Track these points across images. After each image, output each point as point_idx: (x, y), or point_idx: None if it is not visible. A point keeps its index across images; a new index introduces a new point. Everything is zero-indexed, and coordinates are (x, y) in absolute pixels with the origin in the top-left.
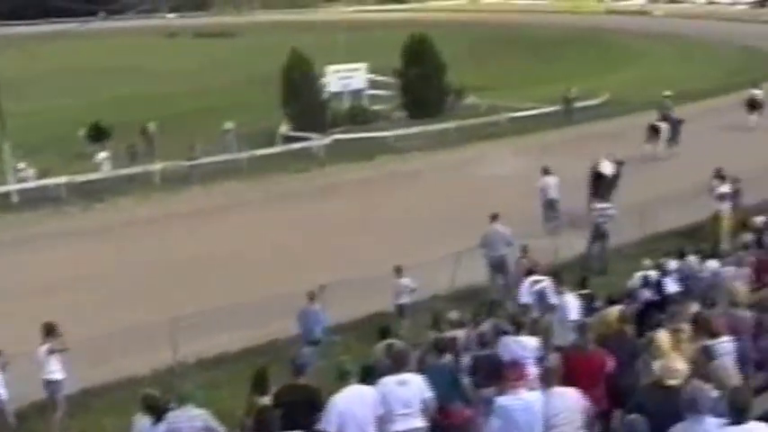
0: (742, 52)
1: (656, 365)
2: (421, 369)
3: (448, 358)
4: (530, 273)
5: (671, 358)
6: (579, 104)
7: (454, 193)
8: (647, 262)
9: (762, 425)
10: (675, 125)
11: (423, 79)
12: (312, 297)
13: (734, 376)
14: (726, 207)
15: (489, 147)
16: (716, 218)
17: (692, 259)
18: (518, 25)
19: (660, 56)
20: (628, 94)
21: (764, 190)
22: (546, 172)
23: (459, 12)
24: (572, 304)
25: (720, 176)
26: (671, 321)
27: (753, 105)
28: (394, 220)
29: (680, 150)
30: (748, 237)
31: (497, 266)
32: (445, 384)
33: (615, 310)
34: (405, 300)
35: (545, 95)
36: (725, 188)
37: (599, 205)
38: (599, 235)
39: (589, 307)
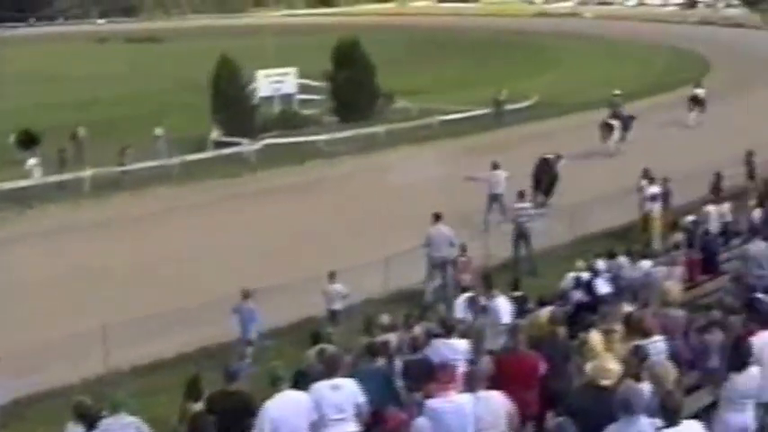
0: (671, 53)
1: (588, 366)
2: (354, 373)
3: (381, 362)
4: (464, 290)
5: (603, 359)
6: (509, 107)
7: (384, 196)
8: (579, 263)
9: (695, 423)
10: (626, 122)
11: (353, 83)
12: (246, 295)
13: (672, 374)
14: (656, 207)
15: (420, 150)
16: (647, 218)
17: (623, 260)
18: (448, 28)
19: (590, 57)
20: (557, 95)
21: (696, 189)
22: (495, 167)
23: (389, 15)
24: (504, 307)
25: (648, 177)
26: (603, 322)
27: (695, 103)
28: (325, 224)
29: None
30: (679, 236)
31: (439, 267)
32: (378, 388)
33: (546, 312)
34: (337, 306)
35: (476, 98)
36: (654, 189)
37: (518, 205)
38: (520, 235)
39: (521, 309)
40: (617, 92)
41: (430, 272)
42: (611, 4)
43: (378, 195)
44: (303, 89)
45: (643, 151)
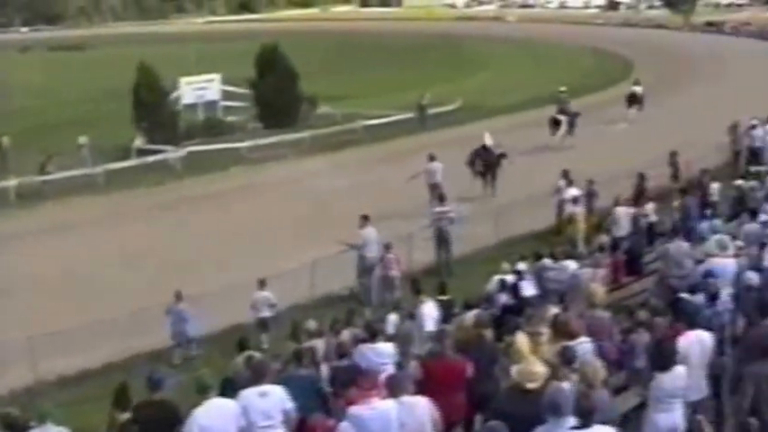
0: (594, 55)
1: (514, 370)
2: (282, 380)
3: (308, 369)
4: (395, 308)
5: (529, 362)
6: (433, 111)
7: (310, 202)
8: (504, 266)
9: (607, 428)
10: (572, 118)
11: (275, 89)
12: (179, 297)
13: (601, 373)
14: (579, 210)
15: (344, 155)
16: (570, 220)
17: (548, 262)
18: (371, 33)
19: (513, 61)
20: (482, 99)
21: (624, 190)
22: (432, 158)
23: (312, 21)
24: (430, 312)
25: (567, 178)
26: (529, 324)
27: (632, 100)
28: (250, 231)
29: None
30: (604, 238)
31: (369, 268)
32: (306, 395)
33: (472, 316)
34: (266, 313)
35: (400, 102)
36: (574, 191)
37: (438, 209)
38: (442, 239)
39: (448, 313)
40: (563, 89)
41: (362, 273)
42: (532, 6)
43: (303, 201)
44: (227, 96)
45: (572, 152)
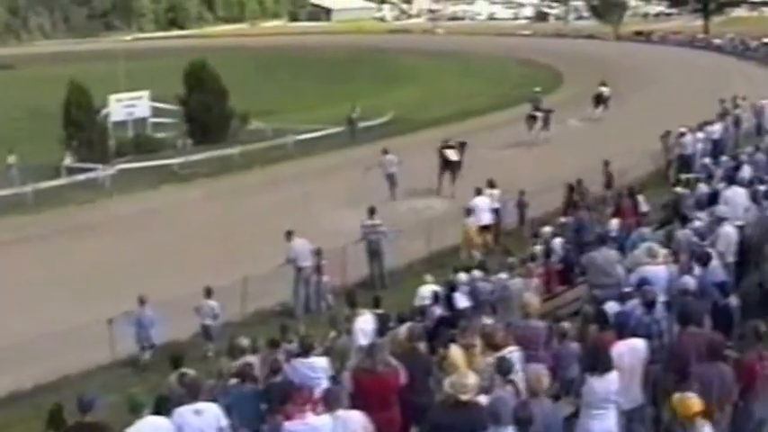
0: (523, 66)
1: (447, 382)
2: (221, 396)
3: (247, 385)
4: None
5: (461, 373)
6: (364, 124)
7: (241, 217)
8: (427, 278)
9: None
10: (546, 114)
11: (205, 105)
12: (143, 301)
13: (544, 382)
14: (471, 220)
15: (275, 170)
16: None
17: (478, 273)
18: (301, 47)
19: (443, 73)
20: (412, 112)
21: (555, 200)
22: (385, 152)
23: (241, 36)
24: (365, 326)
25: (492, 187)
26: (463, 337)
27: (599, 100)
28: (183, 247)
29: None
30: (536, 248)
31: (306, 279)
32: (244, 411)
33: (405, 329)
34: (209, 321)
35: (331, 116)
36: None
37: (368, 222)
38: (373, 253)
39: (383, 327)
40: (537, 89)
41: (297, 285)
42: (462, 19)
43: (235, 216)
44: (156, 113)
45: (507, 162)
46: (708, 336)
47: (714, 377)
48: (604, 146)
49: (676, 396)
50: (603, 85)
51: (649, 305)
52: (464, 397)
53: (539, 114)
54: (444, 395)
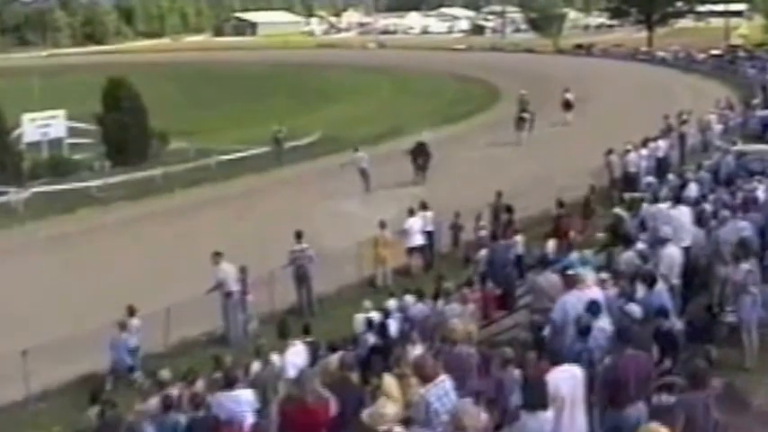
0: (458, 82)
1: (365, 414)
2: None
3: (170, 416)
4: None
5: (379, 404)
6: (290, 144)
7: (163, 242)
8: (366, 303)
9: None
10: (532, 116)
11: (123, 125)
12: (123, 326)
13: (474, 416)
14: (387, 233)
15: (198, 192)
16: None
17: (410, 299)
18: (226, 64)
19: (374, 90)
20: (340, 130)
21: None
22: (356, 150)
23: (163, 52)
24: (294, 358)
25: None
26: (397, 366)
27: (567, 105)
28: (101, 275)
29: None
30: (471, 271)
31: (234, 305)
32: None
33: (335, 358)
34: (134, 344)
35: (256, 136)
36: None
37: (296, 247)
38: (301, 278)
39: (314, 355)
40: (524, 91)
41: (227, 311)
42: (394, 33)
43: (156, 241)
44: (72, 133)
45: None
46: (644, 358)
47: (699, 406)
48: (543, 163)
49: (643, 428)
50: (567, 91)
51: (583, 332)
52: (382, 428)
53: (527, 116)
54: (362, 427)
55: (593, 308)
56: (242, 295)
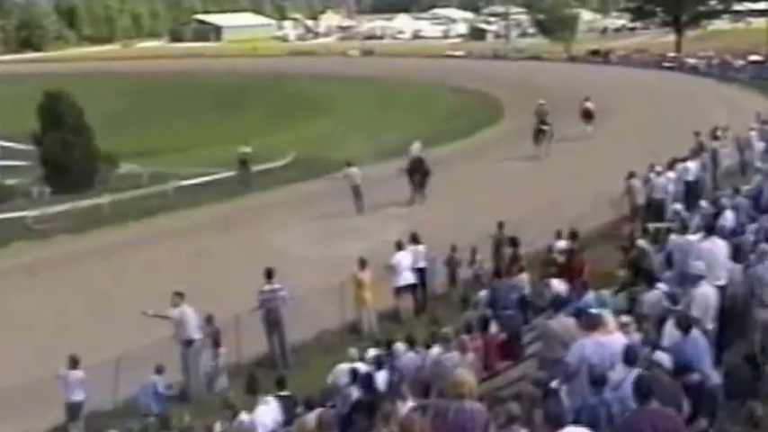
0: (455, 94)
1: None
2: None
3: None
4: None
5: None
6: (259, 167)
7: (112, 281)
8: (351, 351)
9: None
10: (551, 128)
11: (64, 145)
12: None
13: None
14: (366, 274)
15: (153, 224)
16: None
17: (401, 347)
18: (184, 73)
19: (358, 103)
20: (319, 151)
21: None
22: (348, 164)
23: (110, 60)
24: (265, 417)
25: (417, 241)
26: (384, 423)
27: (587, 115)
28: (38, 319)
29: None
30: (470, 315)
31: (194, 354)
32: None
33: (312, 417)
34: (78, 397)
35: (220, 158)
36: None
37: (266, 287)
38: (272, 323)
39: (289, 413)
40: (542, 101)
41: (187, 361)
42: (380, 38)
43: (104, 280)
44: (6, 154)
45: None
46: (671, 415)
47: None
48: (552, 189)
49: None
50: (587, 100)
51: (597, 383)
52: None
53: (546, 128)
54: None
55: (629, 355)
56: (213, 348)
